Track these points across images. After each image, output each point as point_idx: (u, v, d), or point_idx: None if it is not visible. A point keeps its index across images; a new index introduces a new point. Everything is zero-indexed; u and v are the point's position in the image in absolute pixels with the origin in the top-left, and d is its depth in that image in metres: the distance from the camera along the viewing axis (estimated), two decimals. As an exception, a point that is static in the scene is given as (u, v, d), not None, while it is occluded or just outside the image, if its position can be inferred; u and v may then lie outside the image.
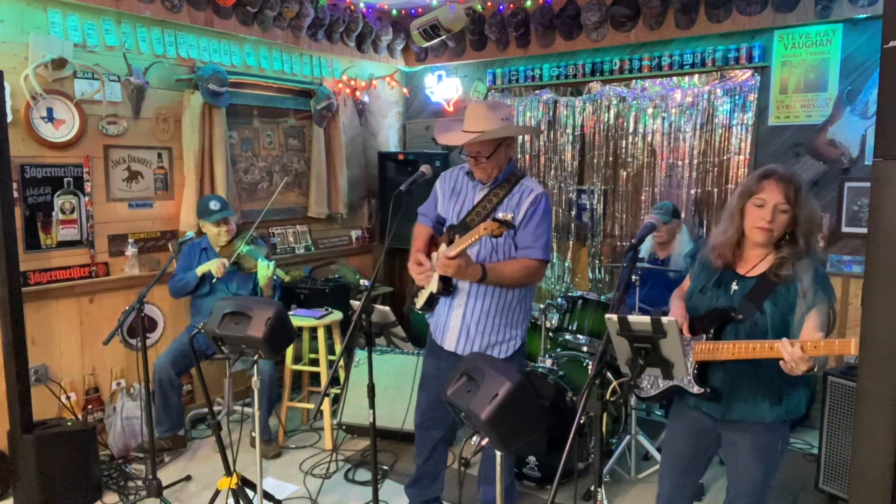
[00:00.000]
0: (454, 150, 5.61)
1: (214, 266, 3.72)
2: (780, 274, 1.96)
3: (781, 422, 2.05)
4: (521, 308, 2.69)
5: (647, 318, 1.81)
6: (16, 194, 3.41)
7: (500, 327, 2.66)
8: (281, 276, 3.78)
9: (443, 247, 2.62)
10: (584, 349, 3.72)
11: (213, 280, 3.81)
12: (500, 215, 2.19)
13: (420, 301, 2.77)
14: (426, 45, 5.11)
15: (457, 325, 2.68)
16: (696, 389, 2.01)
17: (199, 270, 3.78)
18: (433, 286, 2.64)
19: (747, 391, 2.02)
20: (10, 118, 3.21)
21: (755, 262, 2.05)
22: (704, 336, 2.03)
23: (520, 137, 5.27)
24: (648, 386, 2.17)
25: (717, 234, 2.11)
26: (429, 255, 2.73)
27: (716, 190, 4.46)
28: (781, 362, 1.81)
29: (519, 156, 5.32)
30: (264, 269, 3.76)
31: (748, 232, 2.01)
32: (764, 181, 1.98)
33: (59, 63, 3.51)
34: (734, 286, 2.05)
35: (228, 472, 2.80)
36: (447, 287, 2.62)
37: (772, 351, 1.81)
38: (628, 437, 3.49)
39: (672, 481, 2.26)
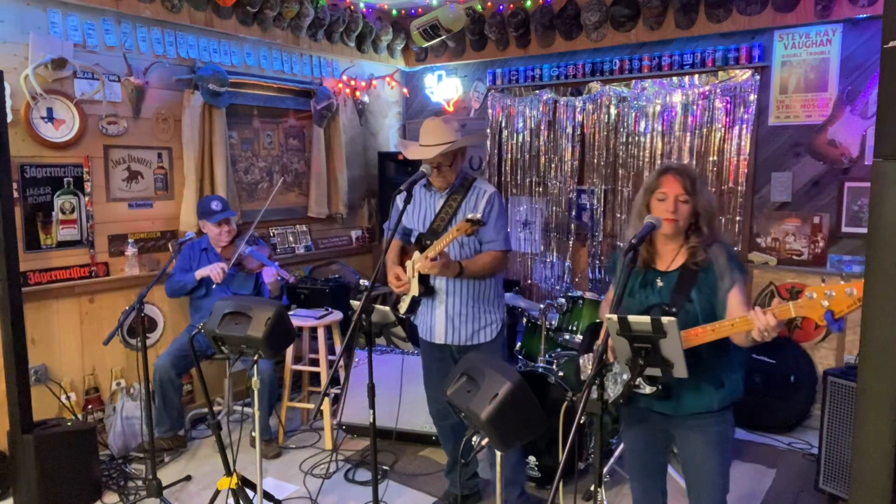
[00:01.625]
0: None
1: (214, 272, 3.72)
2: (696, 262, 2.09)
3: (727, 407, 2.13)
4: (494, 293, 2.98)
5: (647, 318, 1.81)
6: (16, 194, 3.41)
7: (480, 314, 2.95)
8: (286, 277, 3.79)
9: (416, 254, 2.87)
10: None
11: (213, 285, 3.80)
12: (469, 216, 2.49)
13: (403, 306, 3.04)
14: (426, 45, 5.12)
15: (442, 320, 2.95)
16: (648, 390, 2.03)
17: (199, 274, 3.77)
18: (414, 290, 2.93)
19: (692, 380, 2.04)
20: (10, 118, 3.21)
21: (672, 257, 2.15)
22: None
23: (519, 137, 5.29)
24: (608, 393, 2.17)
25: (629, 236, 2.18)
26: (402, 265, 3.01)
27: (716, 190, 4.46)
28: (753, 332, 1.84)
29: (518, 156, 5.33)
30: (270, 274, 3.77)
31: (659, 228, 2.10)
32: (662, 177, 2.12)
33: (59, 63, 3.51)
34: (659, 282, 2.15)
35: (228, 472, 2.80)
36: (427, 289, 2.92)
37: (744, 324, 1.86)
38: (628, 437, 3.49)
39: (641, 486, 2.34)
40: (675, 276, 2.12)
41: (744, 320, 1.86)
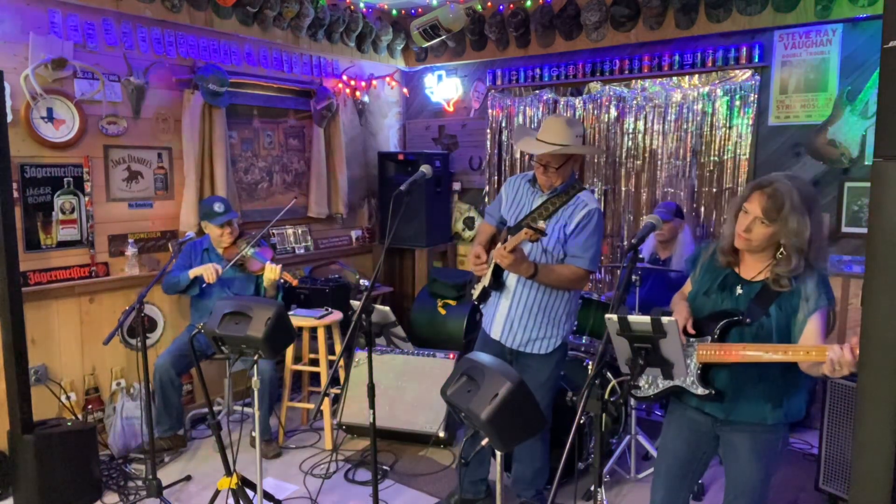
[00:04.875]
0: (454, 151, 5.63)
1: (207, 272, 3.71)
2: (779, 287, 1.99)
3: (782, 424, 2.06)
4: (563, 310, 2.90)
5: (647, 318, 1.81)
6: (16, 194, 3.41)
7: (542, 324, 2.87)
8: (289, 280, 3.78)
9: (499, 244, 2.80)
10: (584, 349, 3.72)
11: (204, 285, 3.79)
12: (536, 224, 2.36)
13: (476, 293, 3.03)
14: (426, 45, 5.11)
15: (502, 317, 2.91)
16: (700, 391, 2.00)
17: (193, 273, 3.76)
18: (486, 280, 2.91)
19: (751, 393, 2.02)
20: (10, 118, 3.21)
21: (757, 268, 2.06)
22: (710, 338, 2.03)
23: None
24: (647, 386, 2.16)
25: (722, 236, 2.15)
26: (488, 252, 2.96)
27: (716, 190, 4.46)
28: (822, 365, 1.79)
29: (517, 155, 5.33)
30: (272, 273, 3.76)
31: (735, 237, 2.05)
32: (753, 192, 2.01)
33: (59, 63, 3.51)
34: (739, 290, 2.07)
35: (228, 472, 2.80)
36: (498, 282, 2.89)
37: (819, 354, 1.79)
38: (628, 437, 3.49)
39: (667, 486, 2.24)
40: (758, 288, 2.03)
41: (820, 350, 1.79)
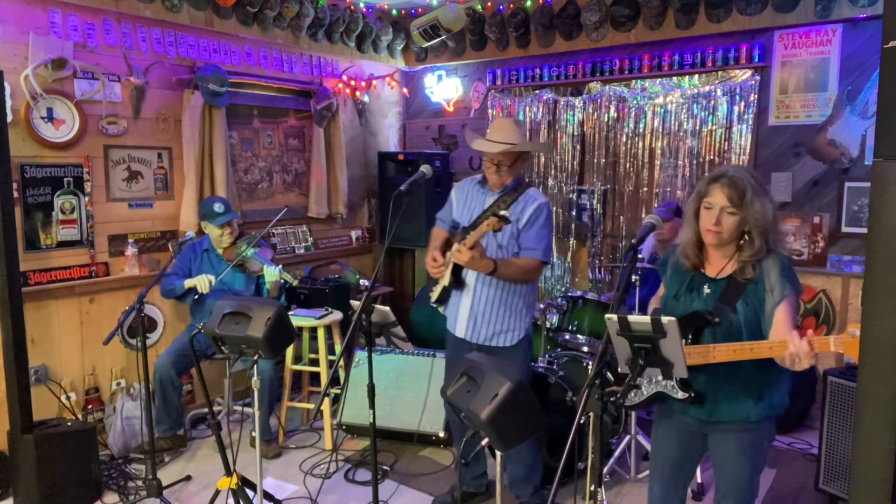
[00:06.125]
0: (454, 151, 5.63)
1: (201, 283, 3.71)
2: (745, 277, 2.01)
3: (766, 418, 2.08)
4: (523, 302, 2.97)
5: (647, 318, 1.81)
6: (16, 194, 3.41)
7: (504, 317, 2.95)
8: (289, 279, 3.77)
9: (455, 245, 2.84)
10: (584, 349, 3.72)
11: (196, 296, 3.79)
12: (499, 212, 2.48)
13: (435, 294, 3.08)
14: (426, 45, 5.11)
15: (465, 315, 2.98)
16: (681, 395, 2.01)
17: (188, 284, 3.75)
18: (446, 280, 2.97)
19: (730, 391, 2.03)
20: (10, 118, 3.21)
21: (722, 264, 2.09)
22: (683, 341, 2.03)
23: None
24: (633, 394, 2.16)
25: (682, 237, 2.16)
26: (444, 255, 3.02)
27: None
28: (785, 358, 1.81)
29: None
30: (272, 275, 3.76)
31: (702, 234, 2.06)
32: (712, 185, 2.03)
33: (59, 63, 3.51)
34: (706, 289, 2.09)
35: (228, 472, 2.80)
36: (457, 281, 2.95)
37: (781, 347, 1.81)
38: (628, 437, 3.49)
39: (662, 487, 2.27)
40: (723, 285, 2.05)
41: (782, 344, 1.81)
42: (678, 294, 2.14)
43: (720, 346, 1.94)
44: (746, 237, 2.01)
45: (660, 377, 1.98)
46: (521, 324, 2.98)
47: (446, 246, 3.05)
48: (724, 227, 2.00)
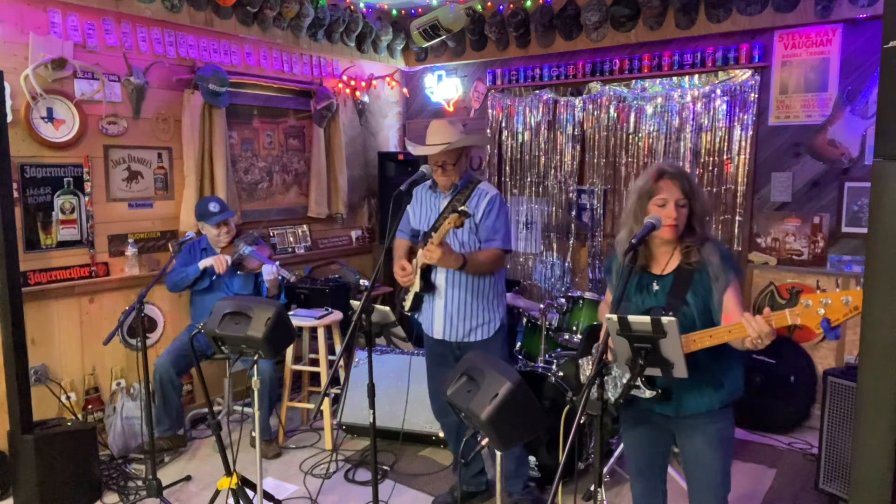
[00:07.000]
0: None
1: (218, 262, 3.72)
2: (690, 262, 2.08)
3: (727, 405, 2.13)
4: (493, 293, 3.04)
5: (647, 318, 1.81)
6: (16, 194, 3.41)
7: (478, 311, 3.00)
8: (287, 275, 3.79)
9: (421, 251, 2.89)
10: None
11: (214, 277, 3.80)
12: (459, 207, 2.61)
13: (408, 303, 3.12)
14: (426, 45, 5.11)
15: (440, 316, 3.02)
16: (648, 394, 2.04)
17: (202, 264, 3.77)
18: (416, 286, 3.02)
19: (692, 384, 2.05)
20: (10, 118, 3.21)
21: (666, 260, 2.14)
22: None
23: (519, 138, 5.29)
24: (612, 398, 2.16)
25: (622, 240, 2.17)
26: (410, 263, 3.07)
27: (716, 190, 4.46)
28: (746, 340, 1.84)
29: (518, 156, 5.33)
30: (270, 273, 3.77)
31: (660, 232, 2.07)
32: (660, 181, 2.07)
33: (59, 63, 3.51)
34: (655, 286, 2.12)
35: (228, 472, 2.80)
36: (428, 285, 3.01)
37: (740, 330, 1.85)
38: (628, 437, 3.49)
39: (641, 484, 2.34)
40: (671, 280, 2.11)
41: (739, 326, 1.86)
42: (628, 295, 2.17)
43: (691, 336, 1.94)
44: (686, 227, 2.10)
45: (626, 378, 1.97)
46: (496, 314, 3.04)
47: (411, 255, 3.11)
48: (679, 220, 2.06)
